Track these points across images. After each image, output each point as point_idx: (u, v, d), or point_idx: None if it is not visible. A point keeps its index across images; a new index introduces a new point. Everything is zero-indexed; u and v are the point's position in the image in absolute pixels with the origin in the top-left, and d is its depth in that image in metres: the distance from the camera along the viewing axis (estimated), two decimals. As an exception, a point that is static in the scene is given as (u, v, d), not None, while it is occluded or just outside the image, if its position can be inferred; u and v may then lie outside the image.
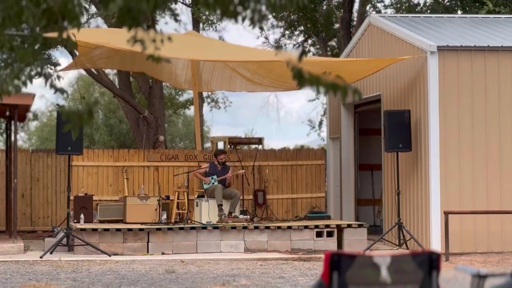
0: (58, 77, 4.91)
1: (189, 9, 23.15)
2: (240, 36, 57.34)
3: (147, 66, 17.69)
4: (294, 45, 27.74)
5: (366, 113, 18.25)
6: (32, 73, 5.01)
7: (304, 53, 4.33)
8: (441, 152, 14.10)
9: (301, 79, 4.29)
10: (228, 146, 18.43)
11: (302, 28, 27.69)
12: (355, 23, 25.77)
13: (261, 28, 26.30)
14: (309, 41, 28.61)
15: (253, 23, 4.41)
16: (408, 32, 15.23)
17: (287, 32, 28.00)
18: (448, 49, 14.31)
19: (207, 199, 15.54)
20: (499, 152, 14.32)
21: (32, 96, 15.01)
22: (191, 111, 33.60)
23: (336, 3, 26.28)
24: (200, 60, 16.69)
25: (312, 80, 4.29)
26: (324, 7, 26.66)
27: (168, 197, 16.37)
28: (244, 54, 15.80)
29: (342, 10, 25.48)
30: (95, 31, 16.92)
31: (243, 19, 4.44)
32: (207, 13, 20.07)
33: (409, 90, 15.02)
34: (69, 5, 4.52)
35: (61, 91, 4.76)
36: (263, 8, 4.47)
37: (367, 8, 26.39)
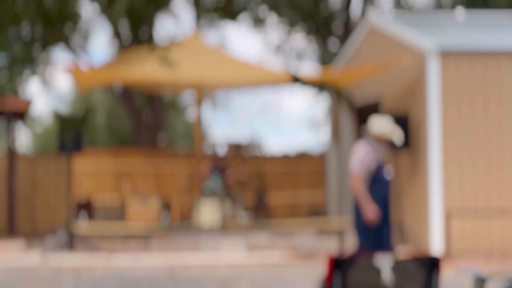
0: (55, 78, 4.92)
1: (191, 8, 23.18)
2: (241, 35, 57.37)
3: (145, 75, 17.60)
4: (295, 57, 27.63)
5: (367, 116, 18.23)
6: (30, 74, 5.03)
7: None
8: (442, 153, 14.10)
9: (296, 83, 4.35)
10: (229, 150, 18.45)
11: (302, 27, 27.67)
12: (355, 23, 25.76)
13: (261, 29, 26.25)
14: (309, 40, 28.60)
15: (255, 23, 4.44)
16: (408, 34, 15.22)
17: (288, 28, 27.98)
18: (449, 51, 14.31)
19: (208, 201, 15.55)
20: (500, 153, 14.32)
21: (31, 100, 15.06)
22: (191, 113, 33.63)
23: (336, 4, 26.28)
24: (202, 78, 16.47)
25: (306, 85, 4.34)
26: (324, 7, 26.64)
27: (168, 199, 16.39)
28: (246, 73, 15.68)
29: (342, 11, 25.48)
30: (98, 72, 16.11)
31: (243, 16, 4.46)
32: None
33: (409, 92, 15.02)
34: (69, 5, 4.53)
35: (59, 95, 4.78)
36: (264, 9, 4.50)
37: (367, 9, 26.38)
